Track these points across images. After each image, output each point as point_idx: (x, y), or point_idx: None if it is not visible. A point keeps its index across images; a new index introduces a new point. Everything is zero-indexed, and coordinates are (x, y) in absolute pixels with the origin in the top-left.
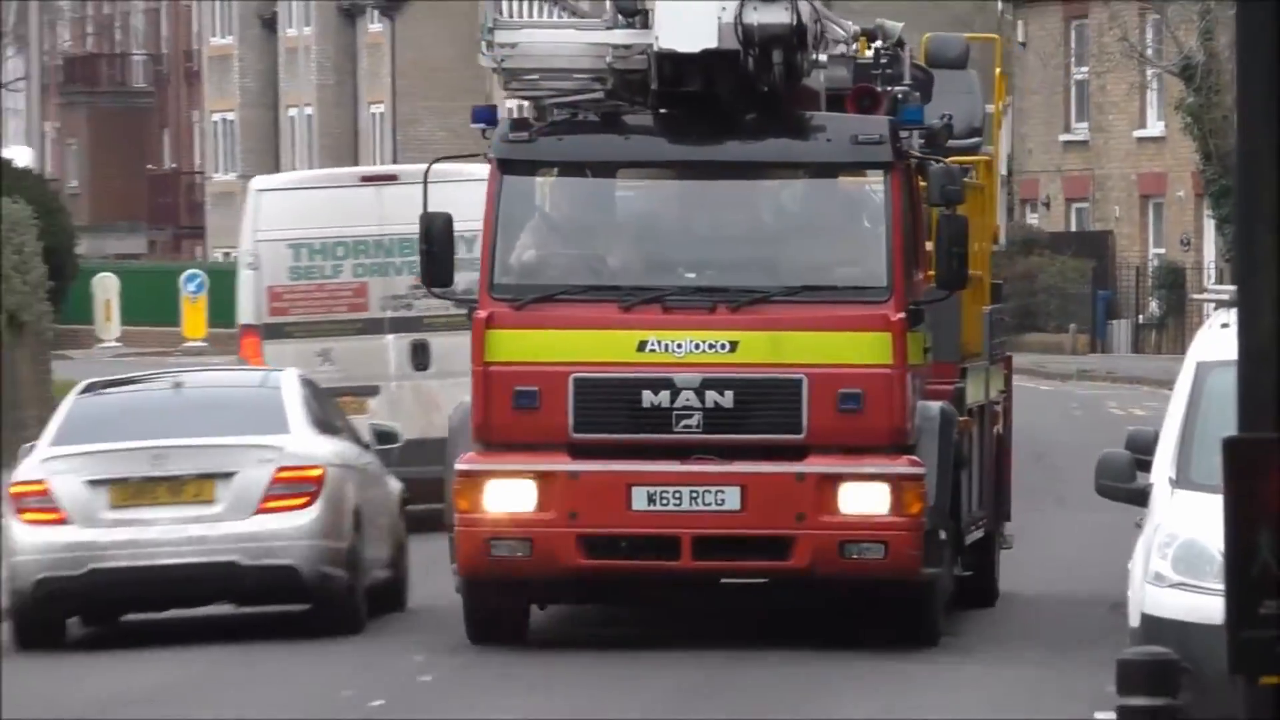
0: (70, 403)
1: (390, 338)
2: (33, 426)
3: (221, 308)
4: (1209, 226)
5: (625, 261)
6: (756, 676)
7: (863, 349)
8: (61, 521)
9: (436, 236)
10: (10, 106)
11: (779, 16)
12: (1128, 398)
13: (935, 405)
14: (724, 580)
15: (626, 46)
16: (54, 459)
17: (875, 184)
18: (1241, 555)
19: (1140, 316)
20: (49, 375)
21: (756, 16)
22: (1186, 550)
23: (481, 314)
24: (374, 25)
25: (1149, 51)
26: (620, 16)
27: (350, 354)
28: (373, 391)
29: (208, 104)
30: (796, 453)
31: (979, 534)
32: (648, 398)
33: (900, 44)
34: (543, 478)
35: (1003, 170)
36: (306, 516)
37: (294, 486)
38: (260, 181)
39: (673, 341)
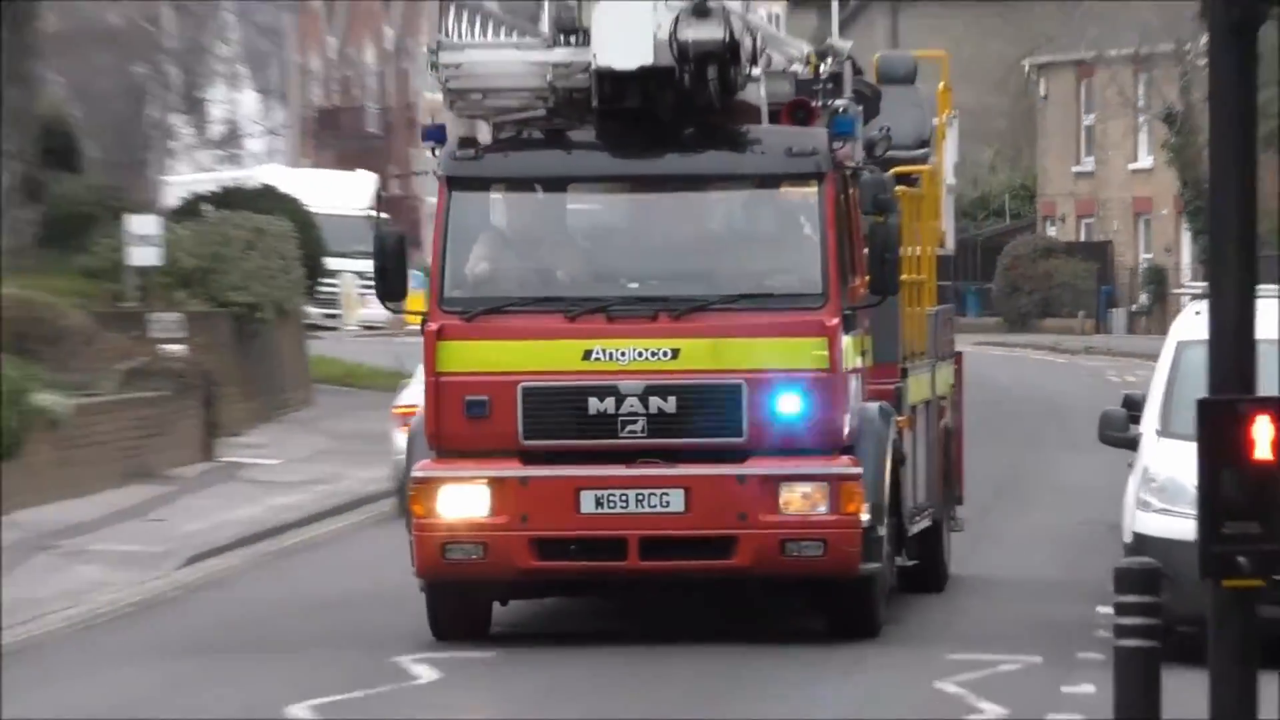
0: None
1: None
2: (291, 390)
3: None
4: (1186, 238)
5: (570, 273)
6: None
7: (800, 354)
8: None
9: (390, 253)
10: (276, 149)
11: (712, 32)
12: (1123, 368)
13: (874, 406)
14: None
15: (567, 65)
16: None
17: (809, 194)
18: (1210, 488)
19: (1133, 306)
20: (304, 352)
21: (690, 33)
22: (1168, 484)
23: (433, 326)
24: None
25: (1140, 103)
26: (560, 35)
27: None
28: None
29: (422, 145)
30: (738, 455)
31: (925, 524)
32: (594, 405)
33: (848, 61)
34: (495, 483)
35: (951, 179)
36: None
37: None
38: None
39: (617, 350)
